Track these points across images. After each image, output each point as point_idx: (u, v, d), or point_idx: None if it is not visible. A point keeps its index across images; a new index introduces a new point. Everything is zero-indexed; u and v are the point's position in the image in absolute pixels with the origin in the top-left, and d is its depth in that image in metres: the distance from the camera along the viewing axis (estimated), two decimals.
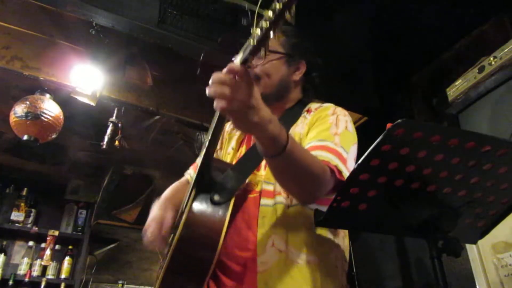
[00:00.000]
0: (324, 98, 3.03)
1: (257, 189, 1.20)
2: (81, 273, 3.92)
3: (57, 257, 3.92)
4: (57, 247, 3.94)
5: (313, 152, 1.09)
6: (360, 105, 2.79)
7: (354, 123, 3.07)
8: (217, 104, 0.83)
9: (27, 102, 2.58)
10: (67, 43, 2.59)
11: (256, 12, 0.85)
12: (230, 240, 1.13)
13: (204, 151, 1.10)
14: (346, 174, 1.08)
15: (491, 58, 2.02)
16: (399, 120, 0.83)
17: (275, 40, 1.30)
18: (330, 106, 1.31)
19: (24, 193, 3.95)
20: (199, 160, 1.47)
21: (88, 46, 2.51)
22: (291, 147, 0.93)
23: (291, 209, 1.15)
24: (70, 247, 4.00)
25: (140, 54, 2.68)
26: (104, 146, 2.80)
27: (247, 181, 1.20)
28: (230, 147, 1.39)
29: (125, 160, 3.77)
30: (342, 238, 1.22)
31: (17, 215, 3.83)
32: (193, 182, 1.14)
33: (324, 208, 1.10)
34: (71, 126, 3.03)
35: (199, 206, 1.07)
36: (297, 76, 1.35)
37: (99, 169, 3.97)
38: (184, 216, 1.05)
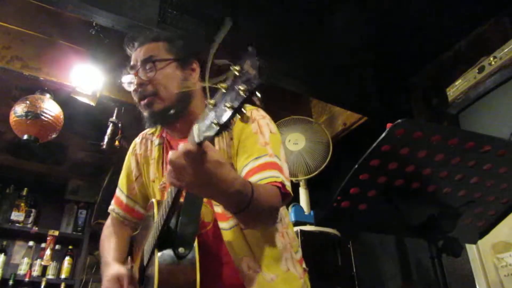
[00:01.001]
0: (325, 97, 3.04)
1: (209, 220, 1.19)
2: (81, 273, 3.92)
3: (57, 257, 3.91)
4: (57, 247, 3.94)
5: (257, 176, 1.08)
6: (360, 105, 2.79)
7: (354, 123, 3.09)
8: (167, 180, 0.84)
9: (27, 102, 2.58)
10: (67, 43, 2.59)
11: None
12: (214, 283, 1.14)
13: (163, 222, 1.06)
14: (288, 185, 1.10)
15: (491, 58, 2.02)
16: (399, 120, 0.83)
17: (158, 47, 1.26)
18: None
19: (24, 193, 3.94)
20: (119, 193, 1.46)
21: (88, 46, 2.51)
22: (256, 196, 0.93)
23: (247, 230, 1.16)
24: (70, 247, 4.00)
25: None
26: (104, 146, 2.80)
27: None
28: (152, 173, 1.34)
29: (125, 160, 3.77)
30: (287, 235, 1.25)
31: (17, 215, 3.82)
32: (152, 239, 1.11)
33: None
34: (71, 126, 3.02)
35: (167, 265, 1.03)
36: (194, 77, 1.27)
37: (99, 169, 3.96)
38: (155, 280, 1.01)
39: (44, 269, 3.80)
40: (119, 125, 2.84)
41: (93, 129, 3.19)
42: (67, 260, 3.90)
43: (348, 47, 2.70)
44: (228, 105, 0.69)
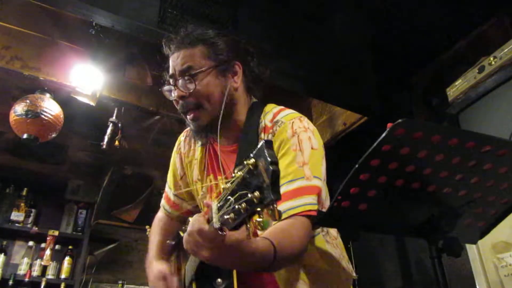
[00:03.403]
0: (324, 97, 3.03)
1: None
2: (81, 273, 3.92)
3: (57, 257, 3.91)
4: (57, 247, 3.94)
5: (289, 203, 1.03)
6: (360, 105, 2.79)
7: (354, 123, 3.08)
8: (185, 245, 0.83)
9: (27, 101, 2.58)
10: (67, 43, 2.59)
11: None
12: None
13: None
14: (322, 206, 1.09)
15: (491, 58, 2.02)
16: (399, 120, 0.83)
17: (197, 53, 1.18)
18: (286, 125, 1.16)
19: (24, 193, 3.95)
20: (168, 190, 1.46)
21: (88, 46, 2.51)
22: (279, 254, 0.91)
23: None
24: (70, 247, 4.00)
25: (140, 54, 2.68)
26: (104, 146, 2.80)
27: None
28: (195, 174, 1.32)
29: (125, 160, 3.77)
30: (338, 247, 1.25)
31: (17, 215, 3.82)
32: (191, 274, 1.11)
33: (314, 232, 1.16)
34: (71, 126, 3.02)
35: None
36: (237, 80, 1.21)
37: (99, 169, 3.96)
38: None
39: (44, 269, 3.80)
40: (119, 125, 2.84)
41: (93, 129, 3.19)
42: (67, 260, 3.91)
43: (348, 47, 2.70)
44: (243, 206, 0.67)
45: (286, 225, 1.01)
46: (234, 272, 1.02)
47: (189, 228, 0.80)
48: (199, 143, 1.32)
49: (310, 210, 1.03)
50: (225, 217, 0.70)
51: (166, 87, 1.22)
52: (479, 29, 2.36)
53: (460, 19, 2.36)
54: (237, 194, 0.69)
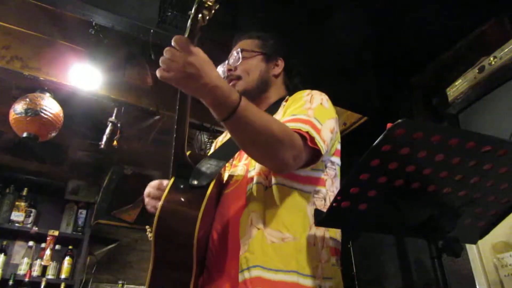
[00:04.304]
0: None
1: (240, 178, 1.23)
2: (81, 273, 3.92)
3: (57, 257, 3.91)
4: (57, 247, 3.94)
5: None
6: (360, 105, 2.79)
7: (354, 123, 3.08)
8: (157, 72, 0.93)
9: (27, 99, 2.58)
10: (67, 43, 2.59)
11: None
12: (218, 236, 1.15)
13: (174, 133, 1.11)
14: (319, 141, 1.09)
15: (491, 58, 2.02)
16: (399, 120, 0.83)
17: (250, 43, 1.46)
18: (306, 90, 1.33)
19: (24, 193, 3.95)
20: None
21: (87, 46, 2.51)
22: (243, 109, 0.98)
23: (269, 189, 1.16)
24: (70, 247, 4.00)
25: (140, 54, 2.68)
26: (103, 146, 2.79)
27: (230, 176, 1.25)
28: None
29: (125, 160, 3.77)
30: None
31: (17, 215, 3.82)
32: (171, 169, 1.15)
33: (306, 187, 1.17)
34: (71, 126, 3.02)
35: (176, 190, 1.07)
36: (277, 71, 1.45)
37: (99, 169, 3.96)
38: (161, 202, 1.04)
39: (44, 269, 3.80)
40: (118, 125, 2.84)
41: (93, 129, 3.19)
42: (67, 260, 3.90)
43: (348, 47, 2.70)
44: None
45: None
46: (212, 183, 1.10)
47: (167, 47, 0.93)
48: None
49: (301, 130, 1.08)
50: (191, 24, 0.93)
51: (219, 67, 1.44)
52: (479, 29, 2.36)
53: (460, 19, 2.35)
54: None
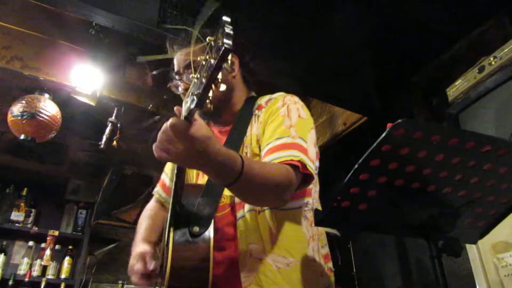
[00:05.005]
0: (324, 97, 3.03)
1: (228, 201, 1.21)
2: (81, 273, 3.92)
3: (57, 257, 3.91)
4: (57, 247, 3.94)
5: (274, 155, 1.10)
6: (360, 105, 2.79)
7: (354, 123, 3.08)
8: (154, 151, 0.89)
9: (23, 102, 2.58)
10: (67, 43, 2.59)
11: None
12: (217, 265, 1.13)
13: (173, 191, 1.10)
14: (310, 165, 1.10)
15: (491, 58, 2.02)
16: (399, 120, 0.83)
17: (197, 52, 1.29)
18: (279, 98, 1.29)
19: (24, 193, 3.95)
20: (164, 176, 1.49)
21: (88, 46, 2.51)
22: (247, 170, 0.95)
23: (262, 214, 1.17)
24: (70, 247, 4.00)
25: (140, 54, 2.68)
26: (102, 146, 2.79)
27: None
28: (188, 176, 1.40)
29: (125, 160, 3.77)
30: (316, 227, 1.25)
31: (17, 215, 3.82)
32: (168, 219, 1.13)
33: (297, 203, 1.19)
34: (71, 126, 3.02)
35: (180, 243, 1.05)
36: (235, 70, 1.36)
37: (99, 169, 3.96)
38: (168, 260, 1.03)
39: (44, 269, 3.80)
40: (118, 125, 2.84)
41: (93, 129, 3.19)
42: (67, 260, 3.91)
43: (348, 47, 2.70)
44: (204, 75, 0.74)
45: (264, 162, 1.09)
46: (211, 226, 1.08)
47: (162, 128, 0.87)
48: None
49: (293, 160, 1.08)
50: (192, 107, 0.80)
51: (173, 83, 1.33)
52: (479, 29, 2.36)
53: (460, 19, 2.35)
54: (200, 75, 0.76)
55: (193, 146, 0.85)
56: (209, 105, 0.79)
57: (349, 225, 1.10)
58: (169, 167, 1.50)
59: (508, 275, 1.79)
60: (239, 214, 1.18)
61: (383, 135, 0.84)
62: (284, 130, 1.16)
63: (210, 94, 0.77)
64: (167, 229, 1.13)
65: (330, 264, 1.24)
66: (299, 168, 1.08)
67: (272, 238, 1.14)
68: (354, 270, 2.43)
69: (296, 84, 2.60)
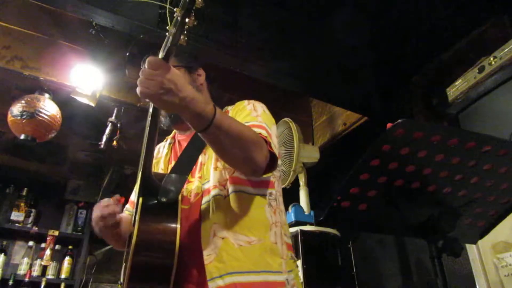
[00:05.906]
0: (325, 97, 3.03)
1: (199, 191, 1.26)
2: (81, 273, 3.92)
3: (57, 257, 3.91)
4: (57, 247, 3.94)
5: None
6: (360, 105, 2.79)
7: (354, 123, 3.08)
8: (137, 90, 0.98)
9: (23, 102, 2.58)
10: (67, 43, 2.59)
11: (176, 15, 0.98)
12: (181, 250, 1.16)
13: (143, 155, 1.17)
14: (274, 146, 1.17)
15: (491, 58, 2.02)
16: (399, 120, 0.83)
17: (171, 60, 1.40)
18: (244, 100, 1.40)
19: (24, 193, 3.94)
20: (133, 196, 1.52)
21: (88, 46, 2.51)
22: (219, 119, 1.03)
23: (227, 198, 1.21)
24: (70, 247, 4.00)
25: (140, 54, 2.68)
26: (102, 146, 2.79)
27: (186, 193, 1.27)
28: (160, 169, 1.46)
29: (125, 160, 3.77)
30: (279, 215, 1.28)
31: (17, 215, 3.82)
32: (138, 190, 1.18)
33: (261, 191, 1.25)
34: (71, 126, 3.02)
35: (148, 211, 1.10)
36: (201, 80, 1.48)
37: (99, 169, 3.96)
38: (136, 224, 1.07)
39: (44, 269, 3.80)
40: (118, 125, 2.84)
41: (93, 129, 3.19)
42: (67, 260, 3.90)
43: (348, 47, 2.70)
44: (178, 19, 0.94)
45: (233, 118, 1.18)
46: (179, 197, 1.15)
47: (145, 67, 0.98)
48: (168, 142, 1.55)
49: (261, 134, 1.16)
50: (168, 44, 0.97)
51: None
52: (479, 29, 2.36)
53: (460, 19, 2.35)
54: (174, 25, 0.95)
55: (170, 78, 0.96)
56: (183, 40, 0.96)
57: (349, 225, 1.10)
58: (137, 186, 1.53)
59: (508, 275, 1.79)
60: (205, 199, 1.22)
61: (383, 135, 0.84)
62: (252, 117, 1.27)
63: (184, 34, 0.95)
64: (135, 199, 1.18)
65: (293, 255, 1.26)
66: (267, 144, 1.14)
67: (236, 218, 1.19)
68: (354, 270, 2.43)
69: (296, 84, 2.60)
